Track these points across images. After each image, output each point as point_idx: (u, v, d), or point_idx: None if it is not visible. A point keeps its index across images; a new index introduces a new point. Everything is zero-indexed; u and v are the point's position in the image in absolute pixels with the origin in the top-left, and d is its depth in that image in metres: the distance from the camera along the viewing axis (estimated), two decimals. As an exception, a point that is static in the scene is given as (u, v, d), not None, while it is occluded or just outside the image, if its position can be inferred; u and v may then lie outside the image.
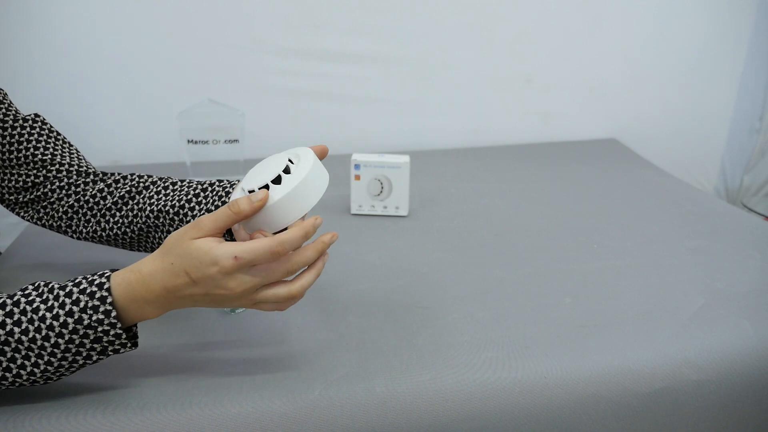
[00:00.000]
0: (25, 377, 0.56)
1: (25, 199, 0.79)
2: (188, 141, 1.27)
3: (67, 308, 0.54)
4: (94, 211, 0.77)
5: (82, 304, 0.54)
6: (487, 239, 1.00)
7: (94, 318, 0.54)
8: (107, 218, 0.77)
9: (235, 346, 0.70)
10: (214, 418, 0.59)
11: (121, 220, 0.76)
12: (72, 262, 0.92)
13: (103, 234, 0.78)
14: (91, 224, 0.78)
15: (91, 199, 0.77)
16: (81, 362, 0.57)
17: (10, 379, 0.56)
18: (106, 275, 0.56)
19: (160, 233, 0.74)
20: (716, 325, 0.75)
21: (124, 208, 0.76)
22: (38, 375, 0.56)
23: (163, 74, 1.37)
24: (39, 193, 0.78)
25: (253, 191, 0.58)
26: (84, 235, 0.79)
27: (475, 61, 1.51)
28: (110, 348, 0.56)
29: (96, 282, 0.55)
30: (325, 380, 0.64)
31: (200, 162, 1.30)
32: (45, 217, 0.79)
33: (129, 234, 0.76)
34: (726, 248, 0.96)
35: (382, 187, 1.08)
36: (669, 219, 1.08)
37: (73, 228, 0.79)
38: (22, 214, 0.81)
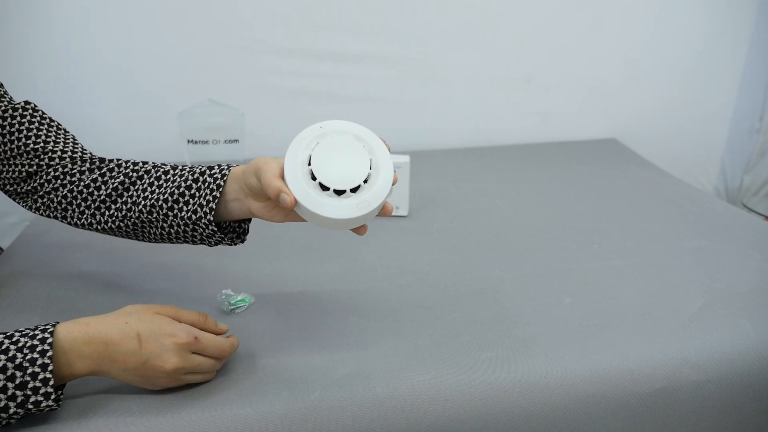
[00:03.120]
0: None
1: (24, 190, 0.77)
2: (188, 141, 1.27)
3: (3, 346, 0.54)
4: (88, 202, 0.75)
5: (20, 344, 0.55)
6: (487, 239, 1.00)
7: (27, 357, 0.54)
8: (102, 211, 0.75)
9: (235, 346, 0.70)
10: (215, 420, 0.59)
11: (115, 214, 0.74)
12: (72, 261, 0.92)
13: (99, 227, 0.76)
14: (85, 215, 0.76)
15: (84, 189, 0.75)
16: None
17: None
18: (53, 324, 0.57)
19: (154, 228, 0.73)
20: (716, 325, 0.75)
21: (119, 200, 0.74)
22: None
23: (163, 74, 1.37)
24: (36, 184, 0.76)
25: (343, 191, 0.57)
26: (80, 224, 0.77)
27: (475, 61, 1.51)
28: (31, 399, 0.54)
29: (41, 326, 0.57)
30: (325, 381, 0.64)
31: (200, 162, 1.30)
32: (42, 207, 0.78)
33: (124, 228, 0.75)
34: (726, 248, 0.96)
35: (382, 187, 1.08)
36: (669, 219, 1.08)
37: (68, 219, 0.77)
38: (22, 204, 0.79)
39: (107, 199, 0.74)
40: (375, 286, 0.84)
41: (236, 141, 1.30)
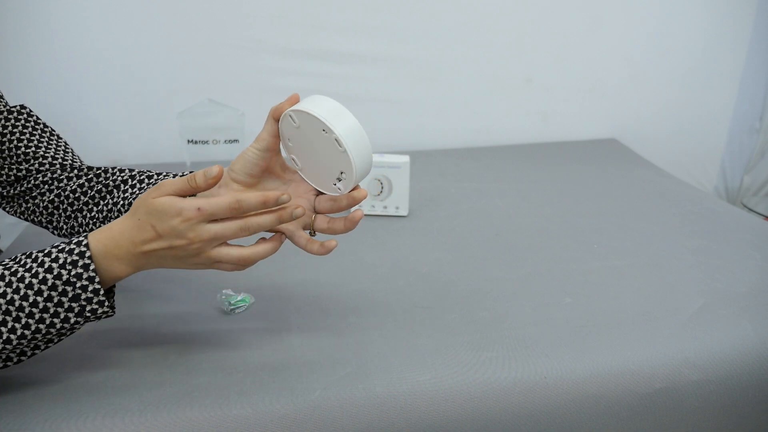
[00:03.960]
0: (0, 348, 0.55)
1: (11, 194, 0.77)
2: (188, 141, 1.27)
3: (46, 266, 0.55)
4: (73, 207, 0.76)
5: (61, 261, 0.56)
6: (487, 239, 1.00)
7: (72, 273, 0.55)
8: (84, 213, 0.75)
9: (235, 347, 0.70)
10: (214, 420, 0.59)
11: (96, 215, 0.75)
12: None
13: (80, 230, 0.76)
14: (71, 220, 0.76)
15: (71, 195, 0.76)
16: (58, 326, 0.56)
17: None
18: (84, 235, 0.58)
19: None
20: (716, 325, 0.75)
21: (101, 203, 0.75)
22: (14, 342, 0.55)
23: (163, 74, 1.37)
24: (24, 188, 0.76)
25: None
26: (64, 231, 0.78)
27: (475, 61, 1.51)
28: (88, 308, 0.56)
29: (74, 241, 0.57)
30: (325, 380, 0.64)
31: (200, 162, 1.30)
32: (27, 211, 0.78)
33: None
34: (726, 248, 0.96)
35: (382, 187, 1.08)
36: (669, 219, 1.08)
37: (54, 224, 0.78)
38: (8, 209, 0.79)
39: (90, 201, 0.75)
40: (375, 286, 0.84)
41: (236, 141, 1.30)
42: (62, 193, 0.76)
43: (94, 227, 0.75)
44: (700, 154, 1.76)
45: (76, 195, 0.76)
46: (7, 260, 0.57)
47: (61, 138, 0.80)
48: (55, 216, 0.77)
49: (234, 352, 0.69)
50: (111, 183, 0.75)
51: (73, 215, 0.76)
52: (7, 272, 0.56)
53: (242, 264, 0.62)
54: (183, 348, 0.70)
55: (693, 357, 0.70)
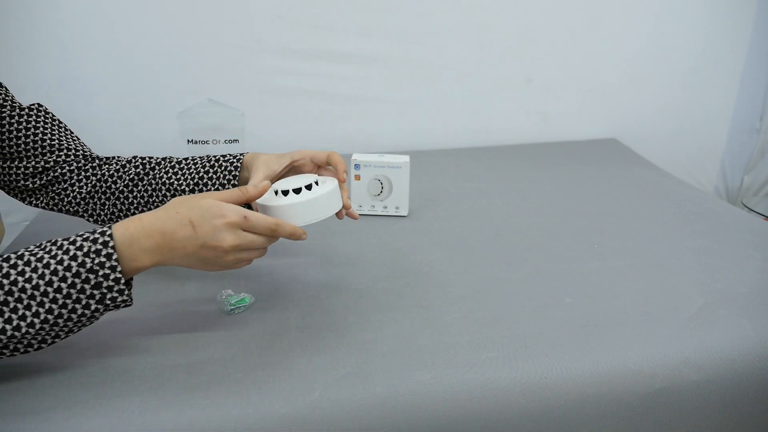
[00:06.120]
0: (24, 330, 0.56)
1: (37, 185, 0.82)
2: (188, 141, 1.27)
3: (71, 253, 0.57)
4: (107, 195, 0.82)
5: (85, 249, 0.57)
6: (487, 239, 1.00)
7: (96, 261, 0.57)
8: (121, 200, 0.82)
9: (235, 347, 0.70)
10: (215, 420, 0.59)
11: (137, 200, 0.81)
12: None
13: (121, 215, 0.82)
14: (106, 207, 0.82)
15: (104, 184, 0.82)
16: (80, 312, 0.58)
17: (9, 333, 0.56)
18: (108, 225, 0.61)
19: None
20: (716, 325, 0.75)
21: (139, 185, 0.81)
22: (37, 327, 0.57)
23: (163, 74, 1.37)
24: (51, 178, 0.81)
25: (287, 192, 0.71)
26: (102, 217, 0.83)
27: (475, 61, 1.51)
28: (108, 296, 0.58)
29: (99, 230, 0.59)
30: (325, 380, 0.64)
31: (200, 162, 1.30)
32: (60, 203, 0.83)
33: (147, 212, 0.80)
34: (726, 248, 0.96)
35: (382, 187, 1.08)
36: (669, 219, 1.08)
37: (89, 212, 0.83)
38: (33, 201, 0.84)
39: (125, 189, 0.82)
40: (375, 286, 0.84)
41: (236, 141, 1.30)
42: (96, 182, 0.82)
43: (136, 211, 0.82)
44: (700, 154, 1.76)
45: (108, 184, 0.82)
46: (32, 246, 0.59)
47: (73, 133, 0.86)
48: (91, 204, 0.83)
49: (234, 352, 0.69)
50: (141, 170, 0.81)
51: (108, 202, 0.82)
52: (33, 258, 0.57)
53: (273, 234, 0.66)
54: (183, 348, 0.70)
55: (693, 357, 0.70)
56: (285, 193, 0.71)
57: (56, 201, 0.83)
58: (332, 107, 1.48)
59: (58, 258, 0.57)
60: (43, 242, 0.59)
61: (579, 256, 0.93)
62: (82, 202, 0.82)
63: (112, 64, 1.34)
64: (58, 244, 0.58)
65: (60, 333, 0.60)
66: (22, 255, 0.58)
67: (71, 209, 0.84)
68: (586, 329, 0.74)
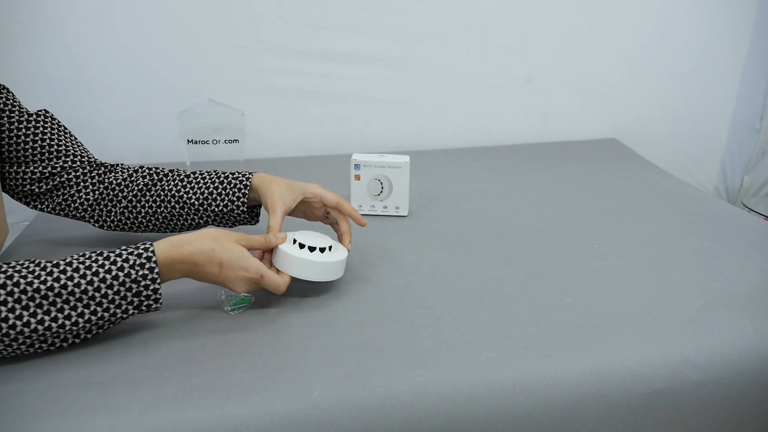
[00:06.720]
0: (68, 327, 0.63)
1: (42, 190, 0.83)
2: (188, 141, 1.27)
3: (118, 264, 0.65)
4: (114, 202, 0.85)
5: (131, 262, 0.66)
6: (487, 239, 1.00)
7: (140, 273, 0.65)
8: (129, 209, 0.85)
9: (235, 347, 0.70)
10: (215, 420, 0.59)
11: (146, 209, 0.85)
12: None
13: (128, 222, 0.86)
14: (113, 214, 0.85)
15: (111, 192, 0.85)
16: (118, 315, 0.66)
17: (54, 329, 0.62)
18: (150, 243, 0.68)
19: (183, 221, 0.86)
20: (716, 325, 0.75)
21: (148, 194, 0.84)
22: (80, 325, 0.64)
23: (163, 74, 1.37)
24: (56, 183, 0.83)
25: (304, 246, 0.78)
26: (108, 223, 0.86)
27: (475, 61, 1.51)
28: (144, 303, 0.67)
29: (142, 246, 0.67)
30: (325, 380, 0.64)
31: (200, 162, 1.31)
32: (67, 208, 0.85)
33: (153, 221, 0.85)
34: (726, 248, 0.96)
35: (382, 187, 1.08)
36: (669, 219, 1.08)
37: (95, 218, 0.86)
38: (39, 205, 0.85)
39: (134, 198, 0.85)
40: (375, 286, 0.84)
41: (236, 141, 1.30)
42: (104, 190, 0.85)
43: (143, 220, 0.86)
44: (700, 154, 1.76)
45: (116, 192, 0.85)
46: (77, 255, 0.66)
47: (78, 140, 0.88)
48: (97, 211, 0.86)
49: (234, 352, 0.69)
50: (150, 180, 0.85)
51: (115, 209, 0.85)
52: (81, 266, 0.64)
53: (278, 292, 0.76)
54: (183, 348, 0.70)
55: (693, 357, 0.70)
56: (302, 246, 0.78)
57: (62, 206, 0.85)
58: (332, 107, 1.48)
59: (106, 267, 0.64)
60: (89, 252, 0.66)
61: (579, 256, 0.93)
62: (89, 209, 0.85)
63: (113, 64, 1.34)
64: (105, 255, 0.66)
65: (92, 329, 0.67)
66: (71, 262, 0.64)
67: (77, 214, 0.86)
68: (586, 329, 0.74)
